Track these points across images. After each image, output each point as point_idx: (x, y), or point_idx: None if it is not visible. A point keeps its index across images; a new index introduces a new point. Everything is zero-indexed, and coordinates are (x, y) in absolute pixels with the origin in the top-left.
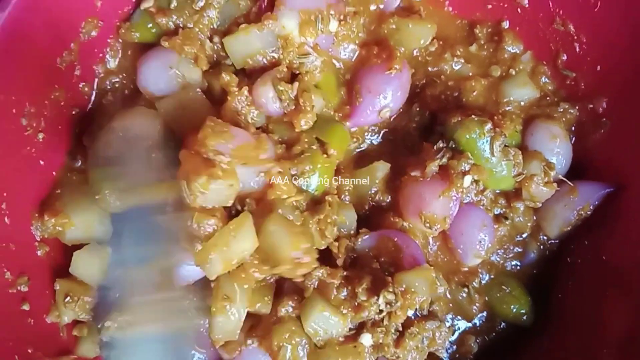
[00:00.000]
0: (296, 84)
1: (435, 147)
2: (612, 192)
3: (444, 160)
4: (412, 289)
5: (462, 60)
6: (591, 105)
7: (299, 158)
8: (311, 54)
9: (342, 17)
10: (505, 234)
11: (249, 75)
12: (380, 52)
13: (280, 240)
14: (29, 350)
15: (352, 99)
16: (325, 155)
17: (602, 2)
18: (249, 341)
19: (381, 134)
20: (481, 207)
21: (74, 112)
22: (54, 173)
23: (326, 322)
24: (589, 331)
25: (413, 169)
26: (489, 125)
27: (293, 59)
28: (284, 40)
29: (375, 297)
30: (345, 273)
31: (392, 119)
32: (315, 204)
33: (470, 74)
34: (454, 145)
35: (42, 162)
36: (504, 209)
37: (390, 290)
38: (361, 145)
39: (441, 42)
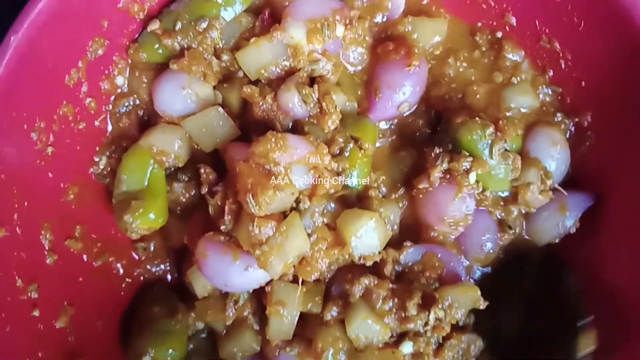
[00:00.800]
0: (316, 86)
1: (433, 154)
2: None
3: (445, 165)
4: (456, 304)
5: (465, 65)
6: (577, 119)
7: (341, 157)
8: (321, 60)
9: (347, 22)
10: (509, 243)
11: (268, 85)
12: (398, 48)
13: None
14: (40, 354)
15: (370, 95)
16: (361, 150)
17: (586, 22)
18: (288, 348)
19: (391, 131)
20: (483, 208)
21: (81, 127)
22: (62, 185)
23: (368, 329)
24: None
25: (419, 181)
26: (491, 129)
27: (304, 66)
28: (293, 49)
29: (427, 313)
30: (392, 286)
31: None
32: (360, 200)
33: (474, 78)
34: (451, 147)
35: (50, 175)
36: (504, 212)
37: (440, 307)
38: (380, 140)
39: (448, 46)
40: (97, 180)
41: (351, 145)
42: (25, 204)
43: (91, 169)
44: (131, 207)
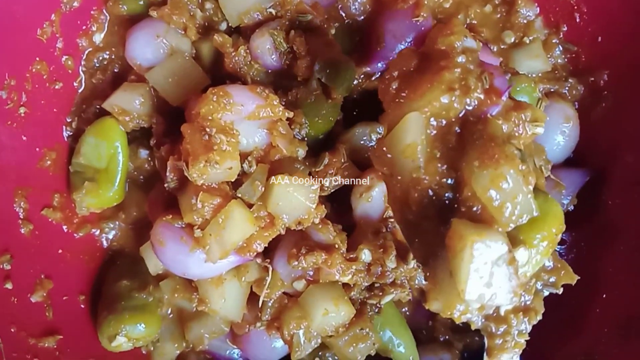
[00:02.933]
0: (292, 32)
1: None
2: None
3: None
4: None
5: (475, 22)
6: (592, 79)
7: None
8: (309, 14)
9: None
10: None
11: (243, 37)
12: None
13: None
14: (12, 330)
15: (371, 44)
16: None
17: None
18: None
19: None
20: None
21: (57, 87)
22: (37, 149)
23: (332, 320)
24: None
25: None
26: None
27: (293, 17)
28: None
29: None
30: (344, 251)
31: None
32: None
33: (483, 37)
34: None
35: (24, 138)
36: None
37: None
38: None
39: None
40: (70, 143)
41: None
42: None
43: (64, 132)
44: (84, 187)
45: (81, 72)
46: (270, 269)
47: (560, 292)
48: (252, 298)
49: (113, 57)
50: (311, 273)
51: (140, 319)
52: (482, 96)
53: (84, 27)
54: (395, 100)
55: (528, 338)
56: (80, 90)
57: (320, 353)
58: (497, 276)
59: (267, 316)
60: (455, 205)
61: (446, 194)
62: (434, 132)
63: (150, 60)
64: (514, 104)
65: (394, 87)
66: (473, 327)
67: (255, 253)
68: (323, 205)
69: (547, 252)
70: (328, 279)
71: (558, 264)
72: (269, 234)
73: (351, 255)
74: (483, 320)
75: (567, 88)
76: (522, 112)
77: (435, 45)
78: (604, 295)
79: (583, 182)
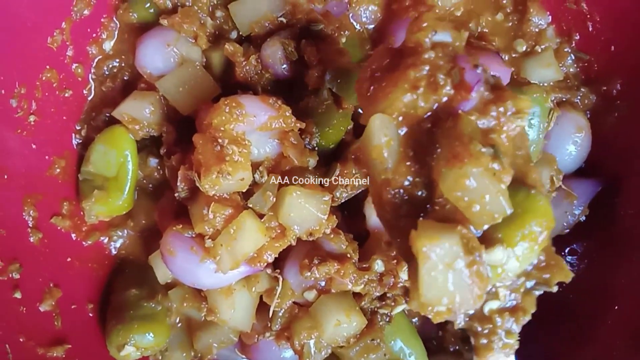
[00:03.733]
0: (303, 41)
1: None
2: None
3: None
4: None
5: (487, 30)
6: (605, 88)
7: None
8: (320, 22)
9: None
10: None
11: (254, 46)
12: (416, 5)
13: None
14: (21, 339)
15: None
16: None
17: None
18: (267, 333)
19: None
20: None
21: (67, 95)
22: (46, 157)
23: (343, 331)
24: None
25: None
26: None
27: (304, 26)
28: (292, 5)
29: None
30: (356, 261)
31: None
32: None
33: (495, 45)
34: None
35: (34, 146)
36: None
37: None
38: None
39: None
40: (79, 151)
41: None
42: (5, 176)
43: (74, 139)
44: (93, 195)
45: (91, 80)
46: (281, 279)
47: (554, 291)
48: (261, 308)
49: (123, 65)
50: (323, 283)
51: (149, 328)
52: (452, 92)
53: (94, 35)
54: (367, 101)
55: (518, 338)
56: (90, 98)
57: None
58: (454, 279)
59: (277, 326)
60: (428, 205)
61: (419, 193)
62: (405, 130)
63: (160, 68)
64: (494, 96)
65: (366, 86)
66: (456, 327)
67: (265, 263)
68: (334, 216)
69: (531, 250)
70: (340, 289)
71: (552, 261)
72: (280, 245)
73: (364, 265)
74: (466, 319)
75: (579, 97)
76: (502, 105)
77: (407, 42)
78: (616, 307)
79: (595, 192)
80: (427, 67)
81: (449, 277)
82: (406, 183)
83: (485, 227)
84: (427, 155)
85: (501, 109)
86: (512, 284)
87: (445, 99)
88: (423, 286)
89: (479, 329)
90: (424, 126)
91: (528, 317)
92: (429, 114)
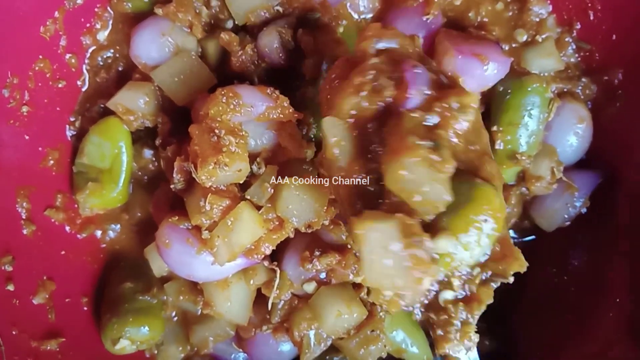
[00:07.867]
0: (300, 30)
1: None
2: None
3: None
4: None
5: (487, 20)
6: (606, 78)
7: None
8: (317, 11)
9: None
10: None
11: (251, 33)
12: None
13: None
14: (14, 332)
15: None
16: None
17: None
18: (264, 327)
19: None
20: None
21: (60, 86)
22: (40, 148)
23: (345, 322)
24: None
25: None
26: None
27: (300, 15)
28: None
29: None
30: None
31: None
32: None
33: (495, 35)
34: None
35: (27, 137)
36: None
37: None
38: None
39: None
40: (73, 142)
41: None
42: None
43: (68, 131)
44: (88, 188)
45: (85, 71)
46: (278, 271)
47: (511, 282)
48: (259, 301)
49: (117, 55)
50: (324, 275)
51: (144, 322)
52: (395, 93)
53: (87, 25)
54: (326, 106)
55: (476, 329)
56: (84, 89)
57: (327, 357)
58: (394, 262)
59: (277, 318)
60: (380, 200)
61: (371, 189)
62: (356, 131)
63: (155, 58)
64: (439, 93)
65: (325, 94)
66: (413, 317)
67: (263, 255)
68: (332, 207)
69: (479, 239)
70: (342, 280)
71: (506, 252)
72: (278, 237)
73: None
74: (422, 310)
75: (580, 88)
76: (445, 101)
77: (356, 51)
78: (617, 300)
79: (596, 184)
80: (372, 72)
81: (387, 260)
82: (361, 180)
83: (431, 216)
84: (377, 153)
85: (445, 105)
86: (467, 274)
87: (389, 99)
88: (364, 268)
89: (435, 318)
90: (374, 126)
91: (483, 308)
92: (376, 114)
